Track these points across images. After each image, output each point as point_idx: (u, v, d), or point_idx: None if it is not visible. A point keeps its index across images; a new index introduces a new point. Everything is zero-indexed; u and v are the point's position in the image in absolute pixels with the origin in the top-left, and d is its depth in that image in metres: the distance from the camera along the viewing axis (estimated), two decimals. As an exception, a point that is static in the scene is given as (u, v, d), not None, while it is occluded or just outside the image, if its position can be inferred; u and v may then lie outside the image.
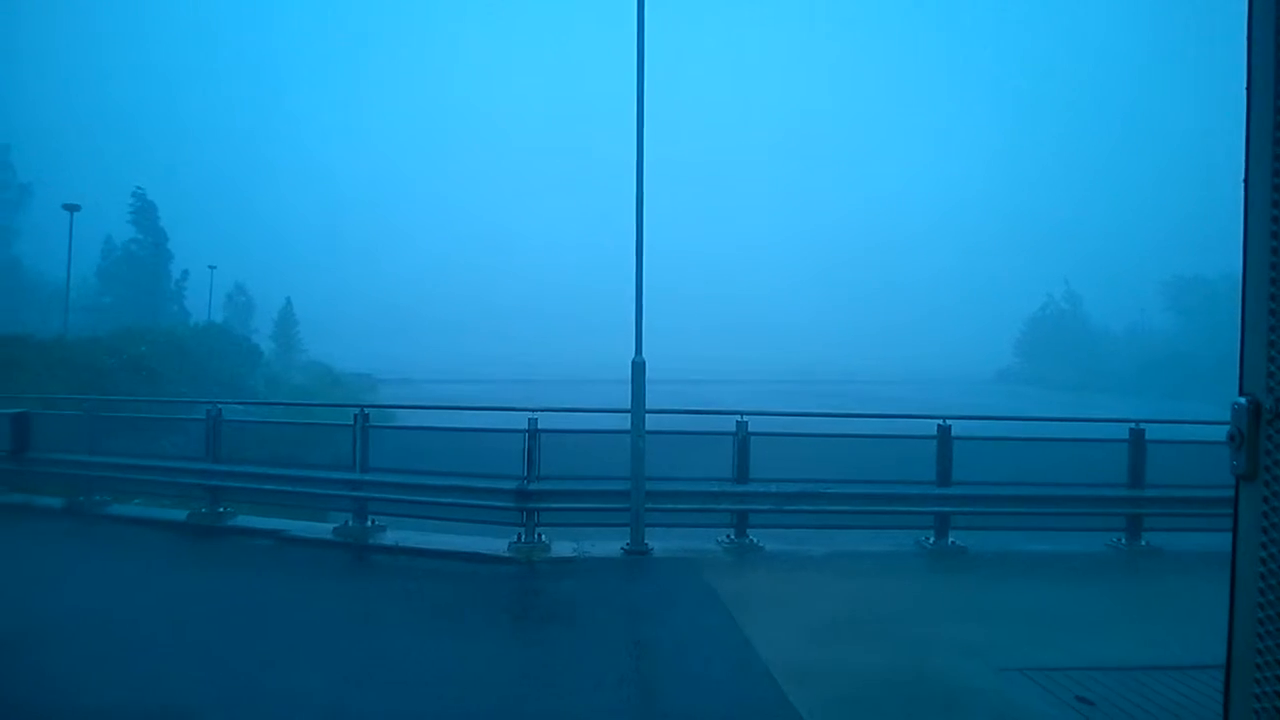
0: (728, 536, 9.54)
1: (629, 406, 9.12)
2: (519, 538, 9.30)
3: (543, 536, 9.37)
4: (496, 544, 9.30)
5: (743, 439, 9.55)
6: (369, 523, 10.13)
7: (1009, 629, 6.64)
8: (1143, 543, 9.67)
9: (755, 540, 9.51)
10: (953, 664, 5.82)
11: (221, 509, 10.93)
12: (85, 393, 17.79)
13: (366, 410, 10.35)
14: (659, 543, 9.20)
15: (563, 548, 9.28)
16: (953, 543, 9.50)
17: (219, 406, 11.28)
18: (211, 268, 65.39)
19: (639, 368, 9.17)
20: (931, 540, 9.55)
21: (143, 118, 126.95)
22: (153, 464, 11.47)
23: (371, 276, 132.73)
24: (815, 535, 9.63)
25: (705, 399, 12.25)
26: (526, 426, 9.44)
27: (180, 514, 11.13)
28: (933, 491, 9.48)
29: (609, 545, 9.21)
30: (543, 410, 9.62)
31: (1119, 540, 9.70)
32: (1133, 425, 9.72)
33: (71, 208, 41.11)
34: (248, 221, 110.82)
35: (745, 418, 9.65)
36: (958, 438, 9.50)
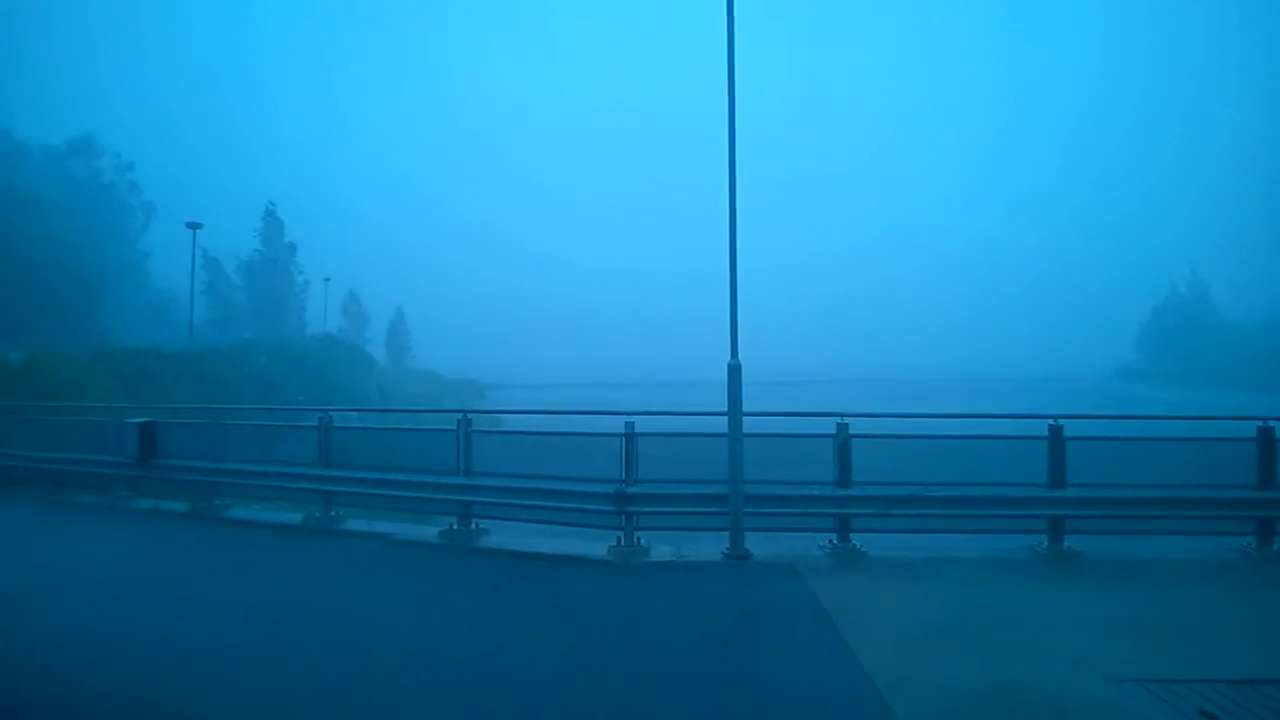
0: (829, 541, 9.38)
1: (725, 409, 9.06)
2: (618, 541, 9.34)
3: (641, 540, 9.39)
4: (596, 547, 9.36)
5: (844, 441, 9.35)
6: (473, 526, 10.33)
7: (1126, 638, 6.34)
8: (1275, 548, 9.10)
9: (858, 545, 9.32)
10: (1065, 674, 5.58)
11: (333, 512, 11.32)
12: (209, 402, 18.70)
13: (469, 415, 10.56)
14: (759, 547, 9.09)
15: (662, 551, 9.27)
16: (1067, 547, 9.12)
17: (330, 414, 11.69)
18: (326, 280, 67.99)
19: (735, 370, 9.10)
20: (1045, 545, 9.18)
21: (260, 136, 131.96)
22: (269, 469, 11.96)
23: (480, 284, 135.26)
24: (921, 540, 9.37)
25: (802, 401, 12.03)
26: (624, 430, 9.47)
27: (295, 517, 11.56)
28: (1045, 494, 9.10)
29: (708, 549, 9.15)
30: (639, 414, 9.63)
31: (1248, 545, 9.14)
32: (1261, 423, 9.15)
33: (194, 225, 43.19)
34: (362, 234, 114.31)
35: (846, 419, 9.46)
36: (1071, 438, 9.10)
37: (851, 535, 9.39)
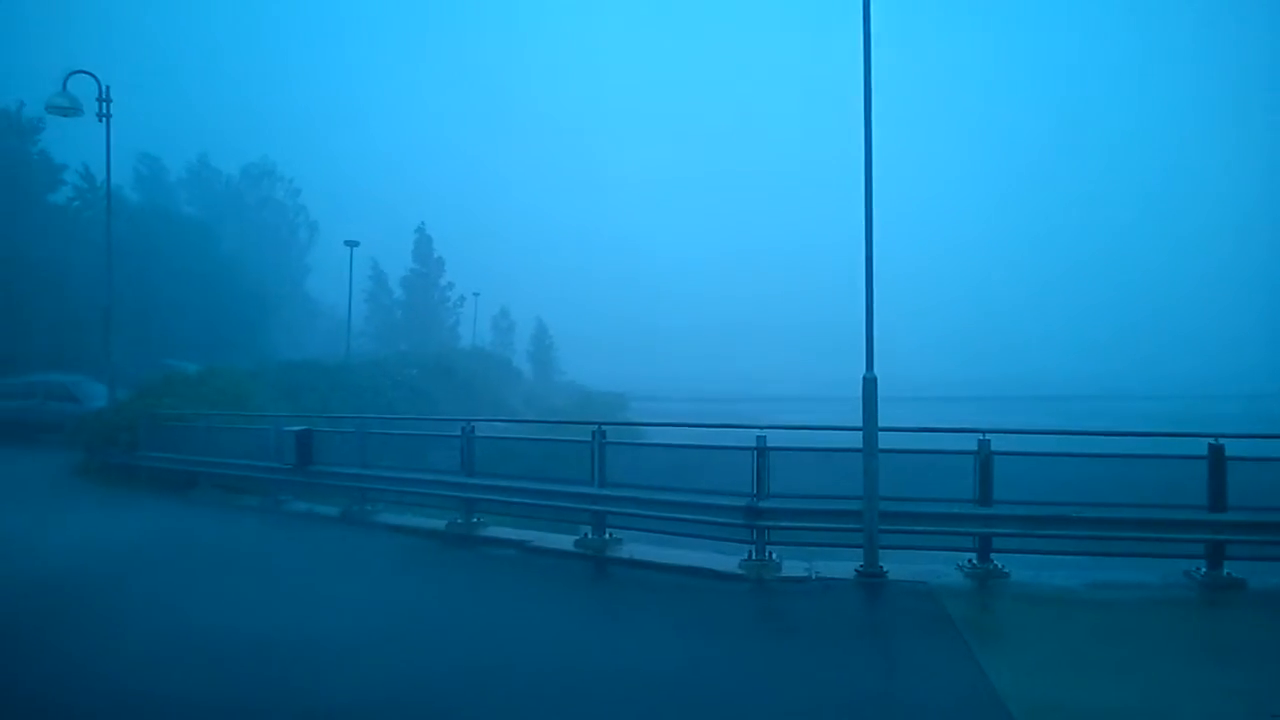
0: (969, 561, 9.09)
1: (860, 424, 8.93)
2: (749, 555, 9.33)
3: (773, 555, 9.35)
4: (727, 560, 9.37)
5: (985, 458, 9.04)
6: (607, 535, 10.51)
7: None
8: None
9: (999, 566, 8.99)
10: (1215, 709, 5.27)
11: (475, 519, 11.73)
12: (364, 412, 19.66)
13: (603, 427, 10.75)
14: (894, 565, 8.91)
15: (794, 567, 9.20)
16: (1228, 574, 8.53)
17: (472, 424, 12.13)
18: (476, 294, 70.16)
19: (870, 384, 8.95)
20: (1202, 571, 8.62)
21: (414, 158, 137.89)
22: (415, 477, 12.51)
23: (628, 299, 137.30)
24: (1068, 563, 8.95)
25: (938, 417, 11.72)
26: (755, 444, 9.45)
27: (439, 523, 12.03)
28: (1204, 517, 8.55)
29: (841, 566, 9.03)
30: (771, 427, 9.60)
31: None
32: None
33: (351, 243, 45.52)
34: (509, 251, 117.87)
35: (987, 436, 9.15)
36: (1234, 458, 8.53)
37: (992, 555, 9.08)
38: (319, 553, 11.27)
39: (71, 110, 18.33)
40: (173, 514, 14.24)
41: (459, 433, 12.05)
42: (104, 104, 19.39)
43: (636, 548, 10.25)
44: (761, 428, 9.54)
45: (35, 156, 34.75)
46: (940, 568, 9.02)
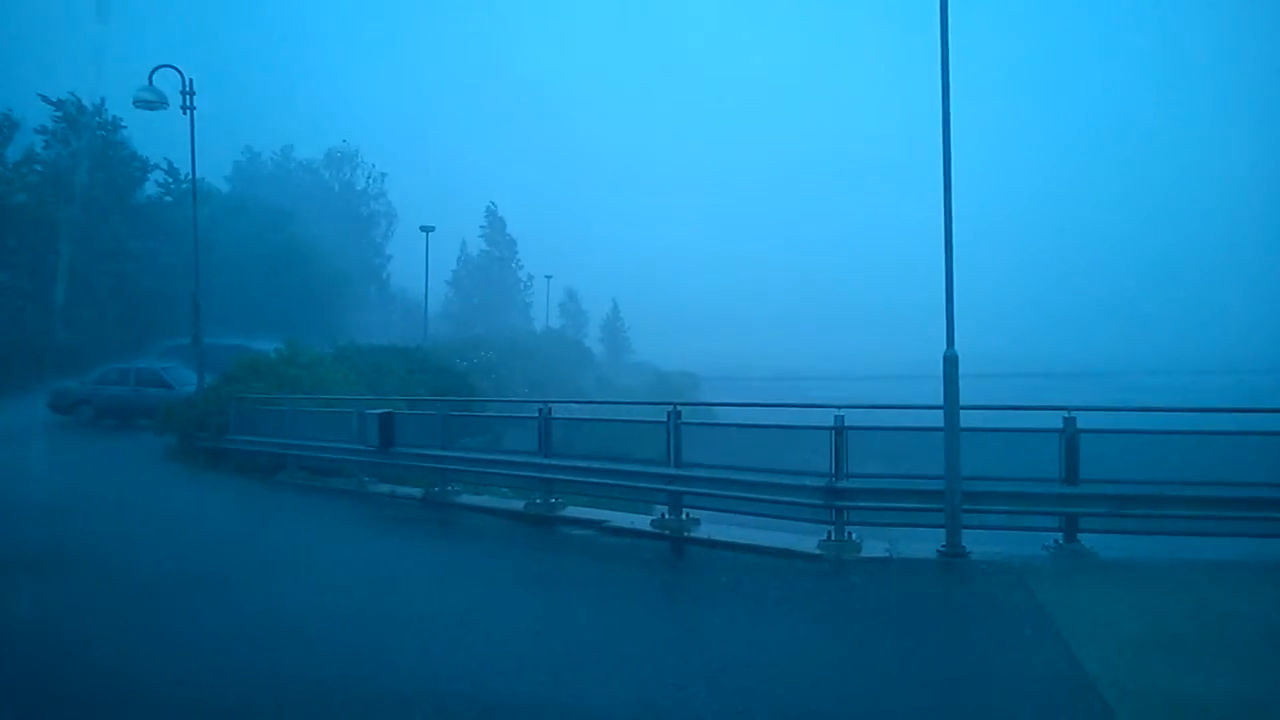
0: (1055, 541, 8.89)
1: (940, 403, 8.77)
2: (828, 535, 9.26)
3: (853, 535, 9.27)
4: (806, 541, 9.32)
5: (1071, 436, 8.81)
6: (684, 515, 10.54)
7: None
8: None
9: (1086, 546, 8.78)
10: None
11: (553, 499, 11.87)
12: (440, 394, 20.00)
13: (678, 408, 10.76)
14: (976, 545, 8.75)
15: (874, 547, 9.12)
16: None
17: (549, 405, 12.25)
18: (549, 277, 70.85)
19: (951, 362, 8.79)
20: (1305, 551, 8.30)
21: (488, 143, 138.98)
22: (494, 458, 12.73)
23: (696, 278, 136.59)
24: (1158, 542, 8.69)
25: (1022, 394, 11.43)
26: (833, 423, 9.36)
27: (518, 503, 12.21)
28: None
29: (922, 546, 8.93)
30: (849, 406, 9.48)
31: None
32: None
33: (427, 229, 46.39)
34: (580, 233, 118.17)
35: (1073, 413, 8.90)
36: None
37: (1079, 535, 8.87)
38: (403, 534, 11.57)
39: (158, 104, 18.93)
40: (261, 495, 14.77)
41: (536, 414, 12.18)
42: (187, 97, 19.96)
43: (713, 528, 10.27)
44: (839, 407, 9.41)
45: (125, 151, 35.97)
46: (1024, 548, 8.84)
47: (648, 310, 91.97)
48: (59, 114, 34.74)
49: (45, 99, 34.59)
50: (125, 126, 35.64)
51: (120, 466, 17.69)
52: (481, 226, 74.20)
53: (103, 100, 35.10)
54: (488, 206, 74.56)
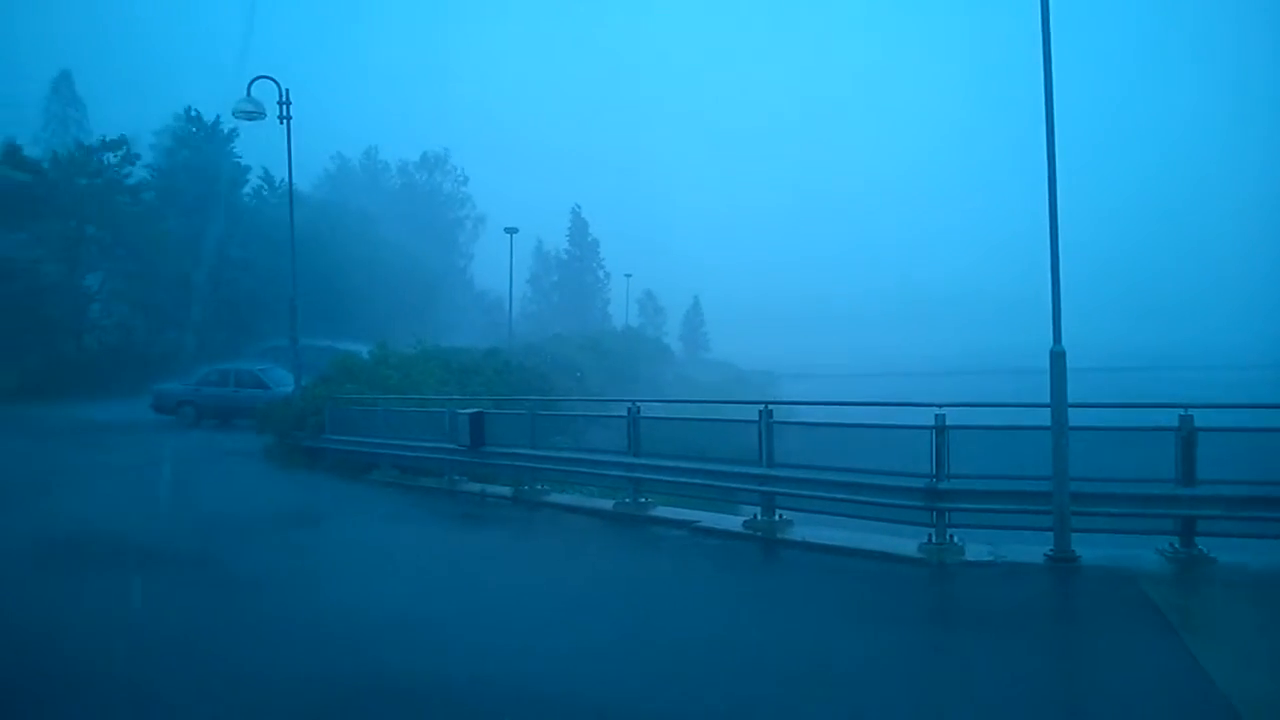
0: (1170, 545, 8.44)
1: (1047, 400, 8.42)
2: (929, 538, 8.98)
3: (954, 538, 8.98)
4: (905, 544, 9.07)
5: (1187, 434, 8.35)
6: (776, 516, 10.37)
7: None
8: None
9: (1205, 550, 8.32)
10: None
11: (643, 499, 11.81)
12: (525, 393, 20.16)
13: (770, 406, 10.59)
14: (1086, 549, 8.37)
15: (977, 551, 8.81)
16: None
17: (638, 404, 12.20)
18: (628, 276, 71.02)
19: (1058, 357, 8.42)
20: None
21: (569, 140, 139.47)
22: (583, 457, 12.73)
23: (773, 275, 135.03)
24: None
25: (1134, 390, 10.96)
26: (933, 423, 9.07)
27: (607, 503, 12.19)
28: None
29: (1028, 550, 8.59)
30: (949, 405, 9.18)
31: None
32: None
33: (511, 230, 46.92)
34: (658, 230, 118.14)
35: (1189, 411, 8.46)
36: None
37: (1196, 539, 8.42)
38: (496, 533, 11.68)
39: (256, 114, 19.47)
40: (354, 493, 15.10)
41: (623, 413, 12.14)
42: (284, 106, 20.49)
43: (808, 530, 10.07)
44: (940, 406, 9.13)
45: (226, 159, 37.35)
46: (1138, 552, 8.45)
47: (724, 307, 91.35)
48: (175, 128, 36.28)
49: (188, 115, 36.19)
50: (238, 136, 37.00)
51: (220, 466, 18.23)
52: (567, 228, 75.03)
53: (217, 117, 36.52)
54: (572, 208, 75.39)
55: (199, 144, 36.58)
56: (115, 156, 34.88)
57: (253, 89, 19.44)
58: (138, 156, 35.60)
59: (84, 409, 26.92)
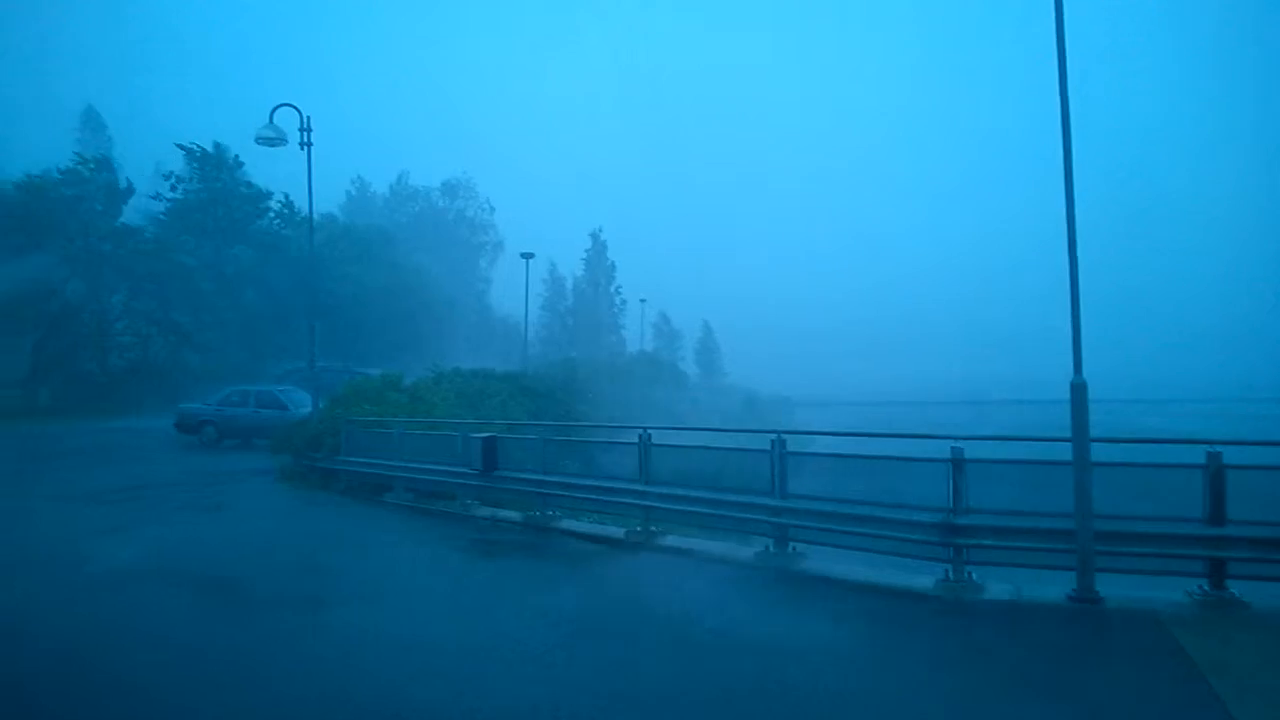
0: (1199, 588, 8.12)
1: (1067, 434, 8.14)
2: (946, 575, 8.71)
3: (973, 575, 8.69)
4: (920, 580, 8.79)
5: (1215, 472, 8.06)
6: (790, 549, 10.11)
7: None
8: None
9: (1237, 593, 7.99)
10: None
11: (653, 528, 11.59)
12: (538, 418, 20.00)
13: (783, 436, 10.37)
14: (1110, 589, 8.05)
15: (997, 589, 8.51)
16: None
17: (649, 431, 12.00)
18: (642, 300, 70.94)
19: (1079, 389, 8.14)
20: None
21: (585, 163, 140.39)
22: (594, 484, 12.51)
23: (789, 301, 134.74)
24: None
25: (1155, 419, 10.65)
26: (950, 455, 8.82)
27: (618, 530, 11.99)
28: None
29: (1049, 589, 8.27)
30: (966, 438, 8.91)
31: None
32: None
33: (527, 256, 47.03)
34: (672, 255, 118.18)
35: (1218, 447, 8.16)
36: None
37: (1227, 581, 8.09)
38: (503, 557, 11.48)
39: (278, 141, 19.66)
40: (366, 516, 14.96)
41: (635, 439, 11.95)
42: (305, 133, 20.62)
43: (821, 563, 9.81)
44: (958, 439, 8.87)
45: (245, 187, 37.72)
46: (1163, 594, 8.12)
47: (739, 332, 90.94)
48: (189, 157, 36.69)
49: (180, 146, 36.65)
50: (244, 164, 37.36)
51: (237, 486, 18.21)
52: (585, 251, 74.98)
53: (224, 147, 36.99)
54: (592, 232, 75.32)
55: (220, 169, 36.96)
56: (129, 181, 35.45)
57: (275, 116, 19.63)
58: (160, 180, 36.08)
59: (109, 426, 27.23)
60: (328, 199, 49.90)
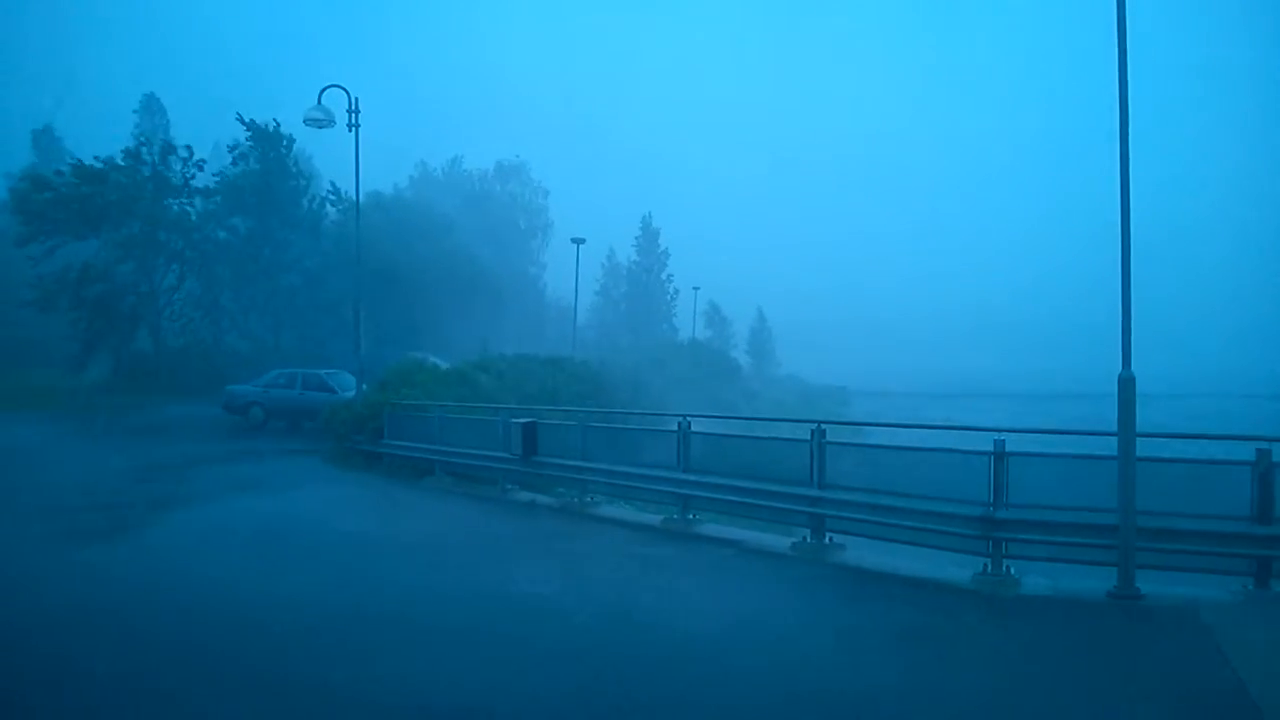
0: (1244, 587, 7.94)
1: (1113, 428, 7.99)
2: (984, 569, 8.62)
3: (1011, 569, 8.60)
4: (958, 573, 8.70)
5: (1265, 470, 7.86)
6: (827, 540, 10.08)
7: None
8: None
9: (1283, 593, 7.81)
10: None
11: (691, 516, 11.62)
12: (585, 404, 20.09)
13: (823, 426, 10.30)
14: (1151, 587, 7.90)
15: (1035, 584, 8.40)
16: None
17: (689, 419, 12.01)
18: (696, 289, 70.54)
19: (1127, 384, 7.98)
20: None
21: (646, 156, 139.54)
22: (633, 470, 12.56)
23: (850, 291, 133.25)
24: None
25: (1203, 415, 10.41)
26: (992, 449, 8.70)
27: (655, 518, 12.02)
28: None
29: (1088, 585, 8.16)
30: (1009, 431, 8.80)
31: None
32: None
33: (578, 241, 47.08)
34: (727, 241, 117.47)
35: (1269, 444, 7.95)
36: None
37: (1272, 581, 7.91)
38: (542, 540, 11.60)
39: (326, 123, 19.87)
40: (406, 498, 15.19)
41: (675, 428, 11.97)
42: (353, 114, 20.85)
43: (859, 554, 9.76)
44: (1000, 431, 8.75)
45: (294, 168, 38.16)
46: (1206, 592, 7.96)
47: (797, 322, 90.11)
48: (249, 132, 37.14)
49: (240, 120, 37.12)
50: (295, 142, 37.75)
51: (284, 466, 18.59)
52: (636, 237, 74.74)
53: (278, 123, 37.38)
54: (643, 217, 74.91)
55: (275, 147, 37.38)
56: (181, 162, 35.99)
57: (323, 98, 19.89)
58: (204, 162, 36.56)
59: (163, 405, 27.93)
60: (384, 180, 50.65)
